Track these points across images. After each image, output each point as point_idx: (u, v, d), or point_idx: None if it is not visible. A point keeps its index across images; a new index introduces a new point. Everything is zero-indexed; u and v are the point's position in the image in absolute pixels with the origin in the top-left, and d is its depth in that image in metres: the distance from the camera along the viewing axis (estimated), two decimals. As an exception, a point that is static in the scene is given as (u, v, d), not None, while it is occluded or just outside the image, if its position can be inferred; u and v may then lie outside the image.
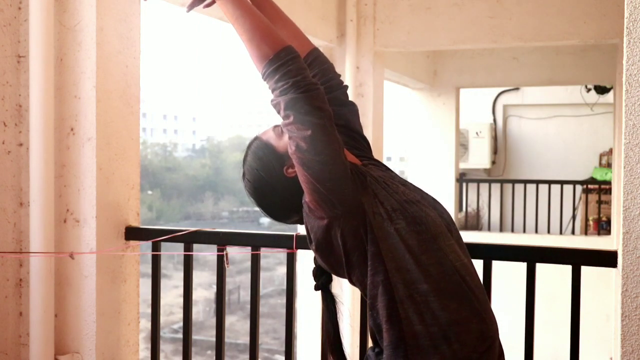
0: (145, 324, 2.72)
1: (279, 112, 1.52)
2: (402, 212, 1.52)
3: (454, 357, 1.46)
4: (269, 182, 1.64)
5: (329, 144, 1.48)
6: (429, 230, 1.51)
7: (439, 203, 1.63)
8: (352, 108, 1.82)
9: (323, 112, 1.49)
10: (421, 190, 1.64)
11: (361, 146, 1.78)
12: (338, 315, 1.70)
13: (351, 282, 1.58)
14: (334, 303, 1.71)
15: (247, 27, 1.56)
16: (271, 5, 1.83)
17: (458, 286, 1.50)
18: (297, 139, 1.48)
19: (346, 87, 1.83)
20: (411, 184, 1.65)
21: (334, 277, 1.75)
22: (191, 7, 1.76)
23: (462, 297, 1.50)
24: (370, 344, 1.66)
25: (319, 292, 1.73)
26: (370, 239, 1.50)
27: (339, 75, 1.83)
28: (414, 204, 1.55)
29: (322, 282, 1.71)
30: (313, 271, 1.72)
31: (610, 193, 7.58)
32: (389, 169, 1.73)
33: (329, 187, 1.49)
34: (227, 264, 2.23)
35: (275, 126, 1.66)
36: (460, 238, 1.60)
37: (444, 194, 7.63)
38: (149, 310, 2.40)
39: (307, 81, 1.49)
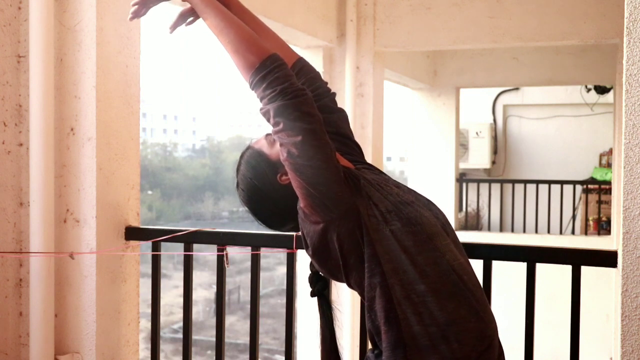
0: (145, 324, 2.72)
1: (268, 120, 1.52)
2: (396, 214, 1.52)
3: (453, 356, 1.46)
4: (263, 190, 1.64)
5: (320, 149, 1.48)
6: (425, 231, 1.52)
7: (433, 204, 1.63)
8: (341, 114, 1.82)
9: (312, 117, 1.49)
10: (415, 191, 1.64)
11: (354, 151, 1.78)
12: (334, 322, 1.71)
13: (349, 285, 1.59)
14: (330, 309, 1.71)
15: (231, 38, 1.57)
16: (252, 20, 1.84)
17: (455, 286, 1.50)
18: (288, 145, 1.49)
19: (334, 94, 1.83)
20: (405, 186, 1.66)
21: (332, 282, 1.75)
22: (174, 27, 1.78)
23: (459, 296, 1.50)
24: (370, 346, 1.66)
25: (315, 298, 1.73)
26: (366, 241, 1.50)
27: (326, 83, 1.84)
28: (409, 204, 1.55)
29: (318, 288, 1.71)
30: (309, 278, 1.73)
31: (610, 193, 7.58)
32: (382, 172, 1.73)
33: (322, 191, 1.49)
34: (227, 264, 2.23)
35: (267, 134, 1.67)
36: (456, 238, 1.60)
37: (444, 194, 7.63)
38: (149, 310, 2.40)
39: (294, 87, 1.50)
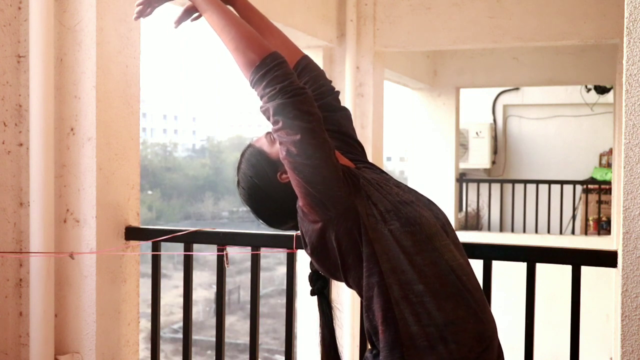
0: (145, 324, 2.72)
1: (268, 119, 1.52)
2: (395, 213, 1.52)
3: (451, 357, 1.46)
4: (263, 188, 1.65)
5: (319, 147, 1.48)
6: (424, 231, 1.51)
7: (434, 204, 1.63)
8: (345, 113, 1.82)
9: (311, 116, 1.49)
10: (416, 191, 1.64)
11: (355, 150, 1.78)
12: (334, 321, 1.70)
13: (348, 284, 1.58)
14: (329, 308, 1.71)
15: (233, 36, 1.57)
16: (258, 16, 1.85)
17: (454, 286, 1.49)
18: (287, 144, 1.49)
19: (338, 92, 1.83)
20: (406, 185, 1.65)
21: (331, 282, 1.74)
22: (179, 22, 1.80)
23: (458, 297, 1.49)
24: (369, 346, 1.66)
25: (315, 297, 1.73)
26: (364, 240, 1.50)
27: (330, 82, 1.84)
28: (408, 204, 1.55)
29: (318, 287, 1.71)
30: (309, 276, 1.73)
31: (610, 193, 7.58)
32: (383, 171, 1.73)
33: (321, 190, 1.49)
34: (227, 264, 2.23)
35: (268, 133, 1.67)
36: (456, 238, 1.60)
37: (444, 194, 7.63)
38: (149, 310, 2.40)
39: (294, 86, 1.50)
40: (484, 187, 8.57)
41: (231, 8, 1.77)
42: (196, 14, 1.77)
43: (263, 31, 1.80)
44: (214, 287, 2.41)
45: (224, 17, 1.60)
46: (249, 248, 2.22)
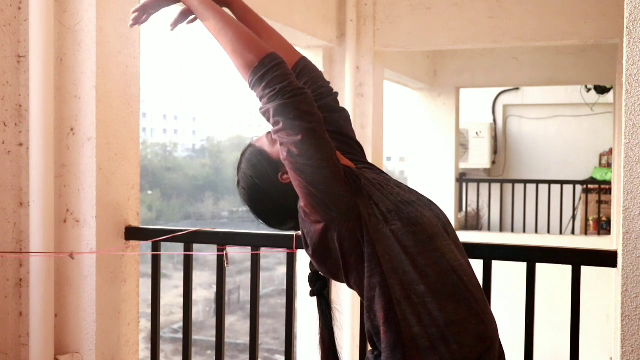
0: (145, 324, 2.72)
1: (268, 120, 1.52)
2: (397, 213, 1.51)
3: (453, 358, 1.46)
4: (264, 189, 1.64)
5: (320, 148, 1.48)
6: (425, 231, 1.51)
7: (434, 204, 1.63)
8: (343, 114, 1.82)
9: (312, 116, 1.49)
10: (416, 191, 1.64)
11: (355, 151, 1.78)
12: (333, 322, 1.70)
13: (349, 285, 1.58)
14: (329, 309, 1.71)
15: (230, 38, 1.57)
16: (255, 19, 1.84)
17: (455, 287, 1.49)
18: (288, 144, 1.48)
19: (336, 93, 1.83)
20: (406, 186, 1.65)
21: (331, 282, 1.74)
22: (175, 25, 1.79)
23: (459, 297, 1.49)
24: (369, 347, 1.66)
25: (315, 298, 1.73)
26: (366, 240, 1.50)
27: (329, 83, 1.84)
28: (410, 204, 1.55)
29: (318, 288, 1.71)
30: (308, 277, 1.72)
31: (610, 193, 7.58)
32: (383, 172, 1.73)
33: (322, 190, 1.49)
34: (227, 264, 2.23)
35: (268, 133, 1.66)
36: (457, 238, 1.60)
37: (444, 194, 7.63)
38: (149, 310, 2.40)
39: (293, 86, 1.49)
40: (484, 187, 8.57)
41: (228, 10, 1.77)
42: (192, 17, 1.76)
43: (260, 33, 1.80)
44: (214, 287, 2.41)
45: (220, 20, 1.60)
46: (249, 248, 2.22)
